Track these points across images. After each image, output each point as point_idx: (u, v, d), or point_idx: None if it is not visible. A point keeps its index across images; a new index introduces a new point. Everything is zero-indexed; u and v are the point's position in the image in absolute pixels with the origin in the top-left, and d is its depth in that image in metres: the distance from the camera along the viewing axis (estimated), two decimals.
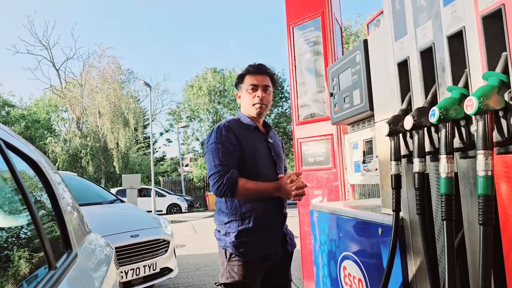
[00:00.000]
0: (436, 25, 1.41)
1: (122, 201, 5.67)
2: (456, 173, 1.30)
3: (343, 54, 3.27)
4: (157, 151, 35.65)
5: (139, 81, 21.75)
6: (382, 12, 2.06)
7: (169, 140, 38.18)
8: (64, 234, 1.44)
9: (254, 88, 2.00)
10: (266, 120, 2.16)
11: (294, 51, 3.69)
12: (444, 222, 1.20)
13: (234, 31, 69.79)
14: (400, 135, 1.57)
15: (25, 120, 30.07)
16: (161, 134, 38.51)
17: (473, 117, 1.11)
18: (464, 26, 1.26)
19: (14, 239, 1.11)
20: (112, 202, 5.39)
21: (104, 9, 59.93)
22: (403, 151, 1.59)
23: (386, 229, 1.72)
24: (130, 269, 3.76)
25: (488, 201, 1.05)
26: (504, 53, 1.11)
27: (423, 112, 1.36)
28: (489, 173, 1.05)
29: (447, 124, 1.22)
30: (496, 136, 1.12)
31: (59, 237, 1.41)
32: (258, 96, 1.99)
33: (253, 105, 2.00)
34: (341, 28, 3.84)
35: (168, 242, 4.30)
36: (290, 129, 27.48)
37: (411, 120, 1.36)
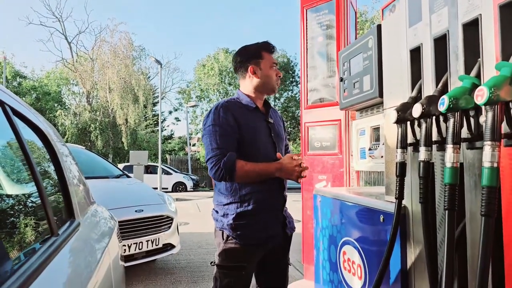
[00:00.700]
0: (452, 12, 1.37)
1: (128, 176, 5.73)
2: (461, 164, 1.28)
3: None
4: (165, 129, 35.78)
5: (150, 58, 21.65)
6: None
7: (177, 119, 38.26)
8: (68, 204, 1.46)
9: (275, 66, 2.01)
10: (276, 104, 2.14)
11: (306, 34, 3.64)
12: (446, 211, 1.20)
13: (248, 13, 68.91)
14: (408, 123, 1.55)
15: (36, 92, 30.22)
16: (170, 112, 38.72)
17: (483, 107, 1.10)
18: (481, 14, 1.23)
19: (17, 205, 1.13)
20: (118, 176, 5.45)
21: None
22: (410, 139, 1.58)
23: (388, 216, 1.72)
24: (133, 243, 3.83)
25: (492, 193, 1.04)
26: None
27: (432, 100, 1.34)
28: (495, 164, 1.04)
29: (456, 113, 1.21)
30: (505, 128, 1.10)
31: (63, 206, 1.43)
32: (279, 76, 2.03)
33: (276, 82, 2.01)
34: (355, 13, 3.77)
35: (172, 219, 4.35)
36: (299, 114, 27.32)
37: (420, 108, 1.34)
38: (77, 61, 28.98)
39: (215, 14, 67.66)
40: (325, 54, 3.50)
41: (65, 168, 1.56)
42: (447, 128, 1.24)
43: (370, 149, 2.51)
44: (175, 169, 22.45)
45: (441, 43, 1.44)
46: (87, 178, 2.08)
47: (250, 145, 1.87)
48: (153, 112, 32.85)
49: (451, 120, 1.21)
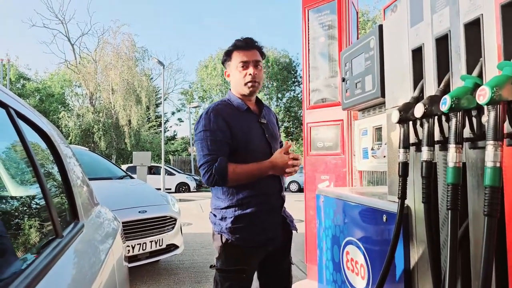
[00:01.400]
0: (454, 12, 1.37)
1: (131, 177, 5.75)
2: (464, 164, 1.28)
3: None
4: (168, 130, 35.95)
5: (152, 60, 21.73)
6: None
7: (180, 120, 38.38)
8: (72, 205, 1.47)
9: (245, 65, 1.86)
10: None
11: (308, 35, 3.65)
12: (449, 211, 1.20)
13: (250, 13, 68.98)
14: (410, 123, 1.55)
15: (40, 93, 30.40)
16: (173, 113, 38.81)
17: (485, 107, 1.10)
18: (482, 14, 1.23)
19: (22, 207, 1.14)
20: (121, 178, 5.47)
21: None
22: (412, 139, 1.58)
23: (391, 216, 1.72)
24: (137, 244, 3.84)
25: (495, 193, 1.04)
26: None
27: (434, 100, 1.34)
28: (498, 164, 1.04)
29: (458, 113, 1.21)
30: (507, 128, 1.10)
31: (67, 208, 1.44)
32: (250, 74, 1.86)
33: (245, 84, 1.87)
34: (357, 13, 3.78)
35: (175, 220, 4.36)
36: (301, 114, 27.34)
37: (422, 108, 1.34)
38: (80, 63, 29.10)
39: (217, 15, 67.74)
40: (327, 55, 3.51)
41: (69, 169, 1.57)
42: (449, 128, 1.24)
43: (372, 149, 2.51)
44: (178, 170, 22.49)
45: (442, 43, 1.44)
46: (90, 179, 2.09)
47: (244, 148, 1.84)
48: (156, 113, 32.94)
49: (453, 120, 1.21)
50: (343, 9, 3.35)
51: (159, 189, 13.42)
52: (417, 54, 1.61)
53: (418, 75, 1.62)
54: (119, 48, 27.83)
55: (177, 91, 40.61)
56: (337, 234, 2.26)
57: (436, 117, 1.39)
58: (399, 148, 1.58)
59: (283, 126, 29.03)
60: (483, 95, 1.04)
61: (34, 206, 1.17)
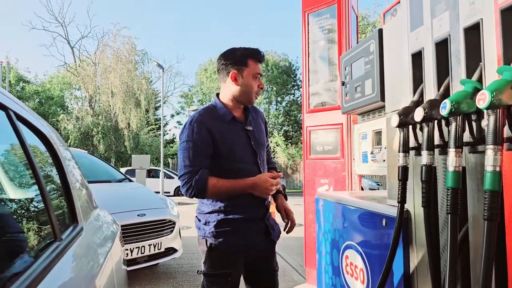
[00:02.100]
0: (453, 16, 1.38)
1: (130, 181, 5.74)
2: (464, 168, 1.28)
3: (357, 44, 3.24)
4: (167, 133, 35.87)
5: (152, 63, 21.77)
6: (399, 2, 2.02)
7: (179, 123, 38.28)
8: (71, 208, 1.46)
9: (258, 76, 1.92)
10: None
11: (308, 38, 3.65)
12: (449, 215, 1.20)
13: (249, 17, 69.16)
14: (410, 127, 1.55)
15: (39, 96, 30.40)
16: (172, 116, 38.72)
17: (485, 111, 1.10)
18: (482, 18, 1.23)
19: (21, 209, 1.13)
20: (120, 181, 5.46)
21: None
22: (412, 143, 1.58)
23: (390, 220, 1.72)
24: (136, 247, 3.83)
25: (494, 197, 1.04)
26: None
27: (434, 104, 1.34)
28: (497, 168, 1.04)
29: (458, 117, 1.21)
30: (507, 132, 1.10)
31: (66, 210, 1.44)
32: (262, 88, 1.95)
33: (256, 93, 1.93)
34: (357, 17, 3.79)
35: (174, 223, 4.36)
36: (301, 118, 27.38)
37: (421, 112, 1.35)
38: (79, 65, 29.13)
39: (217, 18, 67.91)
40: (326, 58, 3.51)
41: (68, 172, 1.56)
42: (449, 132, 1.24)
43: (372, 153, 2.51)
44: (177, 173, 22.43)
45: (442, 47, 1.44)
46: (89, 182, 2.08)
47: (227, 158, 1.84)
48: (155, 116, 32.95)
49: (453, 124, 1.21)
50: (343, 13, 3.36)
51: (158, 192, 13.40)
52: (417, 58, 1.61)
53: (418, 79, 1.62)
54: (119, 51, 27.90)
55: (176, 94, 40.72)
56: (337, 238, 2.25)
57: (436, 121, 1.39)
58: (399, 152, 1.58)
59: (282, 130, 29.15)
60: (483, 100, 1.04)
61: (33, 208, 1.17)
